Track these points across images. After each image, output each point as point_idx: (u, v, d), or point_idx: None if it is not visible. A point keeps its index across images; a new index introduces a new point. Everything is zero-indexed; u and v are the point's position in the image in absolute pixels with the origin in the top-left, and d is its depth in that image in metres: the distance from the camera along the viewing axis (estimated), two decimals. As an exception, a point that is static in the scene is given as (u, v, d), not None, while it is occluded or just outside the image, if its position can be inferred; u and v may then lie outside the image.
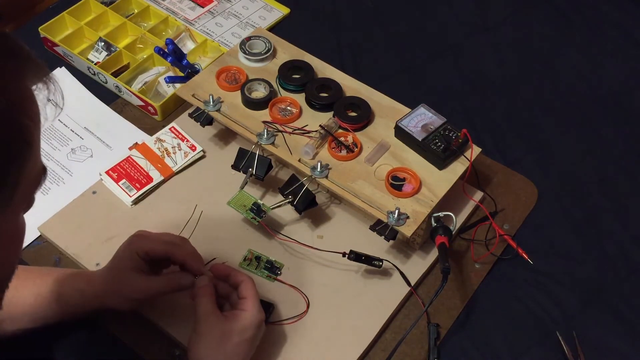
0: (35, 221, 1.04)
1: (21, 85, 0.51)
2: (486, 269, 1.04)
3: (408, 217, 0.94)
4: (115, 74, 1.25)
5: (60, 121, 1.20)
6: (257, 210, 0.99)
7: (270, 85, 1.09)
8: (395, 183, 0.98)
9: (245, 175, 1.03)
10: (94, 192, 1.09)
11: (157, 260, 0.89)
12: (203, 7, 1.43)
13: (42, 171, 0.57)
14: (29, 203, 0.59)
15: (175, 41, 1.27)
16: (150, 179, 1.09)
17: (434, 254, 1.02)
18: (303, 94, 1.09)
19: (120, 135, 1.18)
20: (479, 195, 1.09)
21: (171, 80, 1.21)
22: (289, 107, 1.08)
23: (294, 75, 1.11)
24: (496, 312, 1.01)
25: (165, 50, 1.20)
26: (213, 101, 1.07)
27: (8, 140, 0.49)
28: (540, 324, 0.99)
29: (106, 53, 1.29)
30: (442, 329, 0.97)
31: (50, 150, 1.16)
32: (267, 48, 1.14)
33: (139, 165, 1.10)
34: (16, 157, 0.50)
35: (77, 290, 0.89)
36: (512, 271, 1.04)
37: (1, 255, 0.56)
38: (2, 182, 0.49)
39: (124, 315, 0.95)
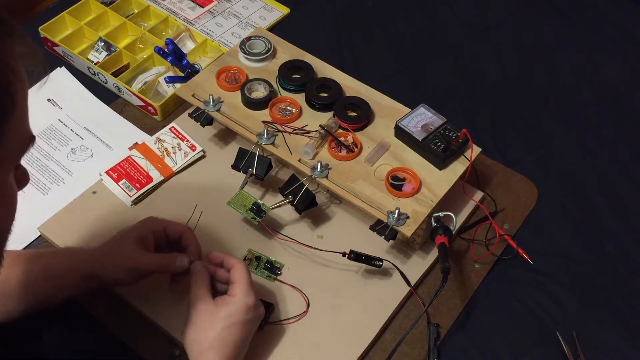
0: (35, 221, 1.04)
1: (6, 44, 0.52)
2: (486, 269, 1.04)
3: (408, 217, 0.94)
4: (115, 74, 1.25)
5: (60, 121, 1.20)
6: (257, 210, 0.99)
7: (270, 85, 1.09)
8: (395, 183, 0.98)
9: (245, 175, 1.03)
10: (94, 192, 1.09)
11: (167, 241, 0.93)
12: (203, 7, 1.43)
13: (30, 138, 0.58)
14: (22, 176, 0.61)
15: (175, 41, 1.27)
16: (150, 179, 1.09)
17: (434, 254, 1.02)
18: (303, 94, 1.09)
19: (120, 135, 1.18)
20: (479, 195, 1.09)
21: (171, 80, 1.21)
22: (289, 107, 1.08)
23: (294, 75, 1.11)
24: (496, 312, 1.01)
25: (165, 50, 1.20)
26: (213, 101, 1.07)
27: None
28: (540, 324, 0.99)
29: (106, 53, 1.29)
30: (442, 329, 0.97)
31: (50, 150, 1.16)
32: (267, 48, 1.14)
33: (139, 165, 1.09)
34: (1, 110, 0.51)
35: (69, 258, 0.90)
36: (512, 271, 1.04)
37: None
38: None
39: (124, 315, 0.95)
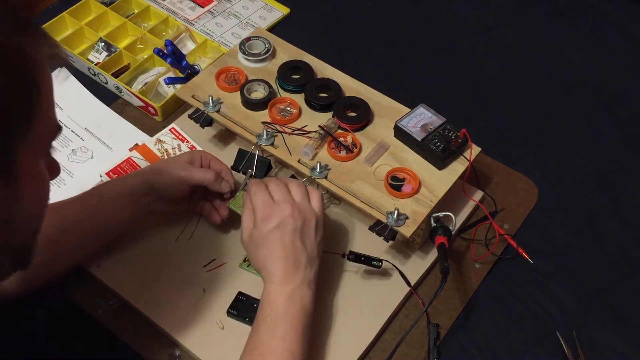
0: (35, 222, 1.04)
1: (34, 42, 0.58)
2: (486, 269, 1.04)
3: (407, 218, 0.94)
4: (116, 75, 1.25)
5: (61, 122, 1.20)
6: (257, 210, 0.99)
7: (270, 86, 1.09)
8: (395, 183, 0.98)
9: (245, 176, 1.03)
10: (94, 193, 1.09)
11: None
12: (203, 7, 1.43)
13: (57, 128, 0.64)
14: (51, 166, 0.66)
15: (176, 41, 1.27)
16: (151, 180, 1.08)
17: (433, 254, 1.02)
18: (302, 95, 1.09)
19: (121, 136, 1.18)
20: (478, 195, 1.09)
21: (171, 81, 1.21)
22: (288, 108, 1.08)
23: (294, 76, 1.11)
24: (496, 312, 1.01)
25: (165, 51, 1.20)
26: (212, 102, 1.06)
27: (20, 74, 0.56)
28: (540, 324, 1.00)
29: (106, 53, 1.29)
30: (442, 329, 0.97)
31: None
32: (266, 48, 1.14)
33: (140, 167, 1.09)
34: (27, 92, 0.57)
35: (122, 180, 1.00)
36: (512, 271, 1.04)
37: (29, 199, 0.62)
38: (15, 106, 0.56)
39: (125, 316, 0.96)
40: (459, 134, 1.01)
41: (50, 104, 0.62)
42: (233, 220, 1.04)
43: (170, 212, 1.02)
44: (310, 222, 0.90)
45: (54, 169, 0.67)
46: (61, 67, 1.28)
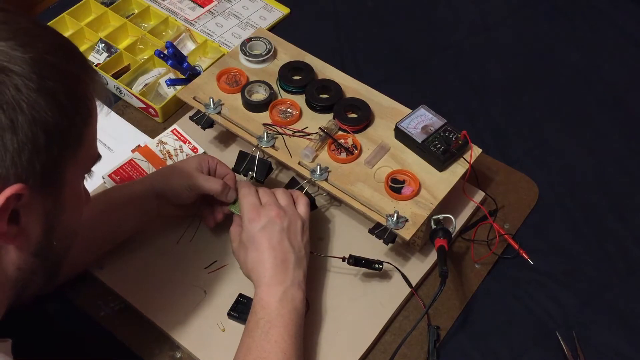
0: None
1: (88, 76, 0.66)
2: (486, 269, 1.04)
3: (407, 220, 0.94)
4: (116, 76, 1.25)
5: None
6: (258, 212, 0.99)
7: (271, 87, 1.09)
8: (395, 186, 0.98)
9: (245, 178, 1.03)
10: (95, 195, 1.09)
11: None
12: (203, 7, 1.43)
13: (97, 155, 0.71)
14: (87, 194, 0.73)
15: (176, 42, 1.27)
16: (152, 182, 1.09)
17: (434, 255, 1.01)
18: (303, 96, 1.09)
19: (122, 138, 1.18)
20: (479, 196, 1.09)
21: (172, 82, 1.21)
22: (289, 109, 1.08)
23: (294, 77, 1.11)
24: (496, 312, 1.01)
25: (165, 53, 1.20)
26: (213, 104, 1.06)
27: (81, 100, 0.65)
28: (540, 324, 1.00)
29: (107, 54, 1.29)
30: (442, 330, 0.97)
31: (51, 153, 1.16)
32: (267, 49, 1.13)
33: (142, 168, 1.10)
34: (82, 116, 0.65)
35: (129, 186, 1.01)
36: (512, 271, 1.05)
37: (69, 214, 0.68)
38: (73, 125, 0.63)
39: (126, 317, 0.96)
40: (459, 135, 1.01)
41: (95, 132, 0.69)
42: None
43: (178, 215, 1.03)
44: (296, 223, 0.92)
45: (86, 196, 0.74)
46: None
